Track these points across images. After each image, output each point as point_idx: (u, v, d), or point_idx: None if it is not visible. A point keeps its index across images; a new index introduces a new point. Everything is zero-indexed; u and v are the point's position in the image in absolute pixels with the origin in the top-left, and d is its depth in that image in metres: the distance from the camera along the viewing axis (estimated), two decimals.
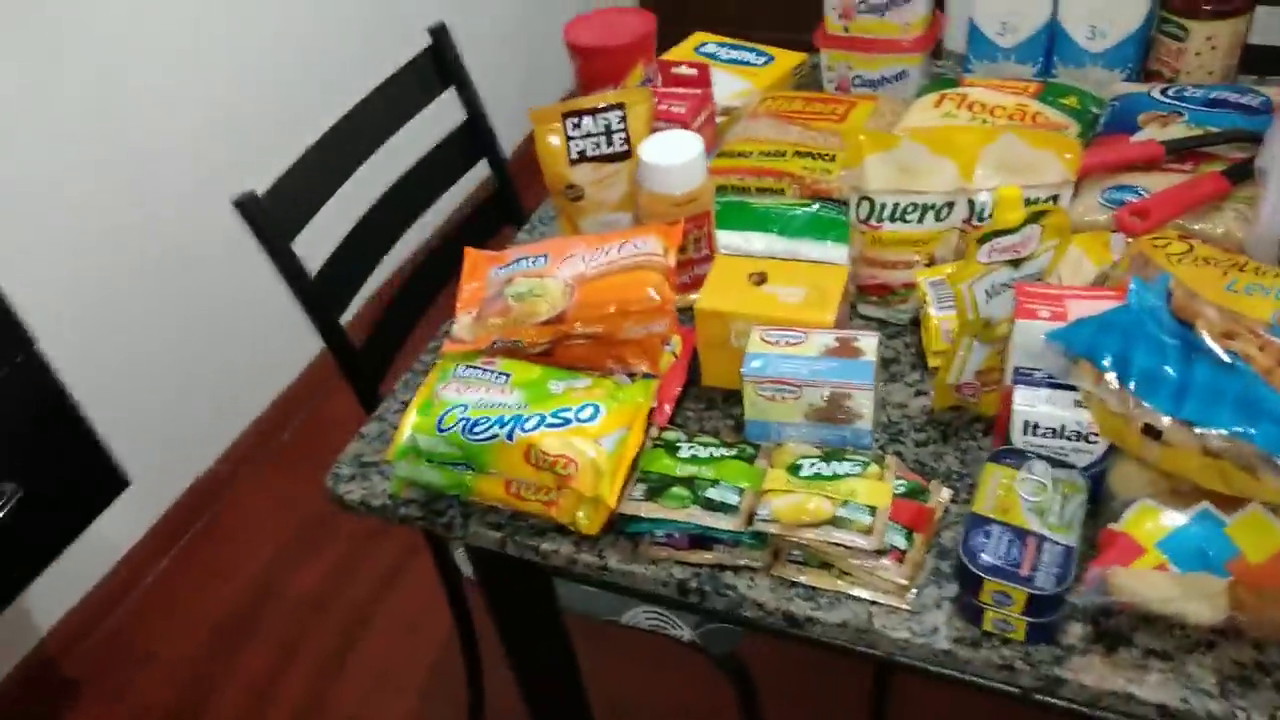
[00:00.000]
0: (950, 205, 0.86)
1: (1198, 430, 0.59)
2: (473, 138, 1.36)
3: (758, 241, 1.00)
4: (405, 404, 0.91)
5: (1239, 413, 0.58)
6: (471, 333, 0.85)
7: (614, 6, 1.14)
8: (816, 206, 1.00)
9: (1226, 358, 0.61)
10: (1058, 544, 0.65)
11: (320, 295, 1.13)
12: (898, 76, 1.16)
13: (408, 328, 1.29)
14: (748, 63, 1.30)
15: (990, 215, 0.83)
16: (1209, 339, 0.62)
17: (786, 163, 1.03)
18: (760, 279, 0.86)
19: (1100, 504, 0.70)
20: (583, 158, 1.00)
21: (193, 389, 1.90)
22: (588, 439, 0.77)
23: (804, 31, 1.22)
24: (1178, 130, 0.91)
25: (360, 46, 2.13)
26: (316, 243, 1.17)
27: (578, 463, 0.75)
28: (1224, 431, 0.58)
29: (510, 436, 0.78)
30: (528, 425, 0.78)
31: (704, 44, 1.36)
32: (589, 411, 0.79)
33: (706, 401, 0.89)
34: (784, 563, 0.73)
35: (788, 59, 1.30)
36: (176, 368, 1.86)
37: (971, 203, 0.86)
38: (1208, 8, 0.99)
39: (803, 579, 0.72)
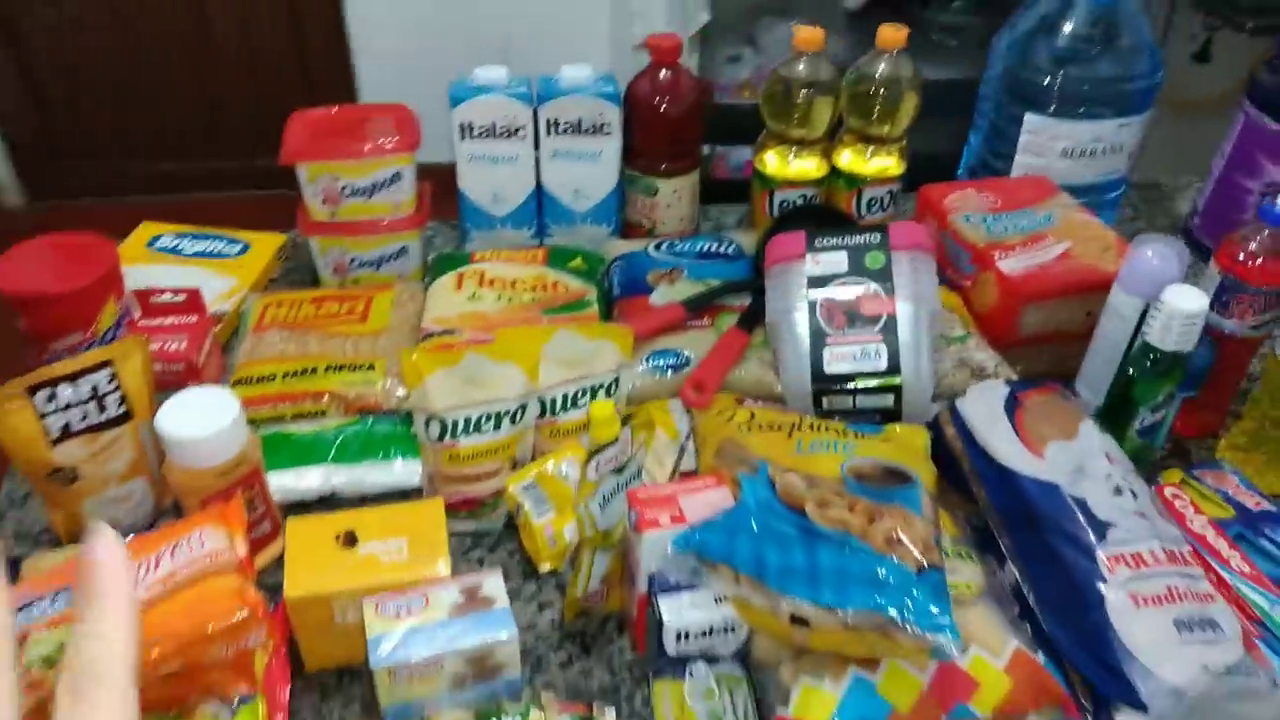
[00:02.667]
0: (523, 408, 0.84)
1: (838, 612, 0.64)
2: None
3: (312, 477, 0.89)
4: None
5: (866, 587, 0.64)
6: None
7: (53, 234, 0.92)
8: (370, 422, 0.92)
9: (836, 536, 0.67)
10: None
11: None
12: (398, 254, 1.11)
13: None
14: (220, 254, 1.16)
15: (586, 431, 0.80)
16: (821, 521, 0.68)
17: (320, 380, 0.93)
18: (349, 539, 0.76)
19: (750, 677, 0.73)
20: (68, 433, 0.80)
21: None
22: None
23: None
24: (685, 287, 1.00)
25: None
26: None
27: None
28: (860, 610, 0.64)
29: None
30: None
31: (157, 237, 1.18)
32: None
33: (320, 689, 0.76)
34: None
35: (266, 244, 1.19)
36: None
37: (542, 401, 0.85)
38: (663, 167, 1.11)
39: None
